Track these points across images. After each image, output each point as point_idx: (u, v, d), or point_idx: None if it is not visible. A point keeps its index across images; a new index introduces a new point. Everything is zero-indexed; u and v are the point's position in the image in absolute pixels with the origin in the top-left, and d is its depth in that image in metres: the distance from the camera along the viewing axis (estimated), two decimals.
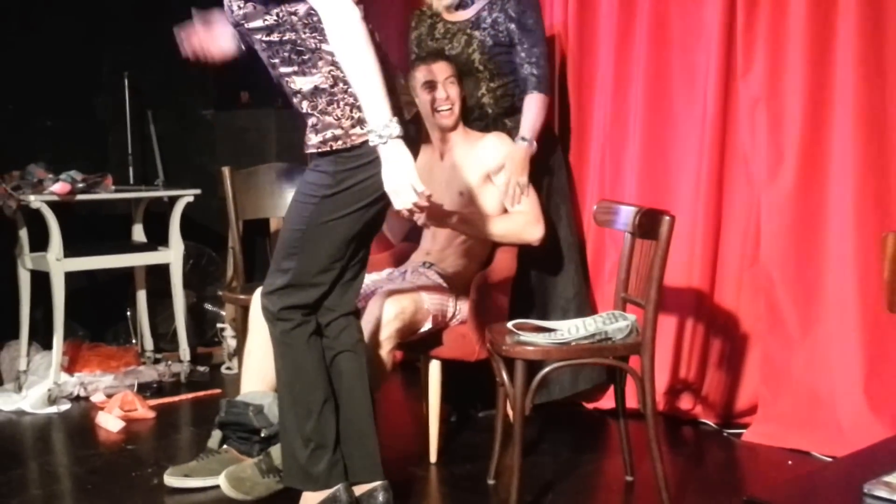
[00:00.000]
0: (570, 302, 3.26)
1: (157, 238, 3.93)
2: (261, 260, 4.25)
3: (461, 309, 2.93)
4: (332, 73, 2.19)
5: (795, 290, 2.92)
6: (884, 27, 2.72)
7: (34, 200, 3.54)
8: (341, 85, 2.18)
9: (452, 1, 3.17)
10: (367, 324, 2.66)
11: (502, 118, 3.17)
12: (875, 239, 2.65)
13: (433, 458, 2.89)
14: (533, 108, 3.06)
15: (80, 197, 3.66)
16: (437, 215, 2.86)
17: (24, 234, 3.70)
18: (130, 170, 4.26)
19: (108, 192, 3.77)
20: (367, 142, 2.17)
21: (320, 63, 2.19)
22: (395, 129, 2.12)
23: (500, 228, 2.96)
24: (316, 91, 2.21)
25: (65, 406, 3.55)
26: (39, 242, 3.64)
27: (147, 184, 4.24)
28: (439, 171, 3.07)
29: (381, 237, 3.42)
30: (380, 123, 2.12)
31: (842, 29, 2.77)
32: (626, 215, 2.59)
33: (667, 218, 2.44)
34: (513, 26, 3.08)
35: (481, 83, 3.14)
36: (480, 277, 2.93)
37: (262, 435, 2.66)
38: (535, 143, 3.02)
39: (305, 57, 2.19)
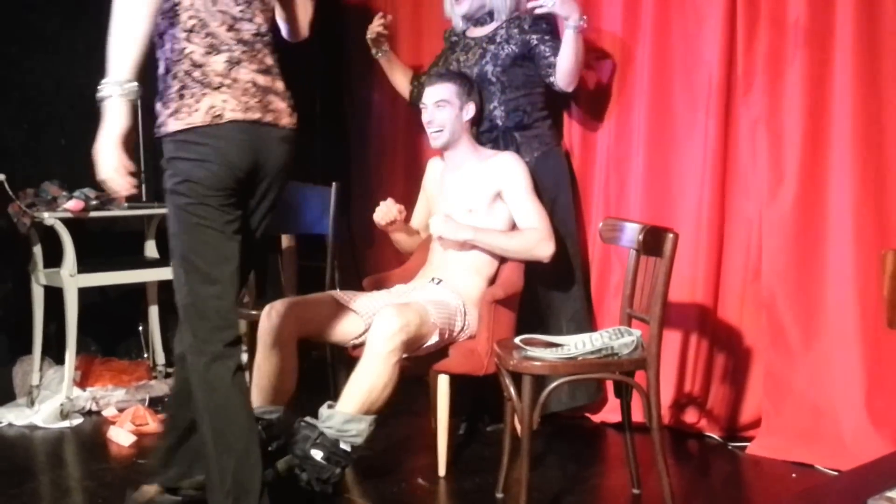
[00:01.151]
0: (575, 315, 3.30)
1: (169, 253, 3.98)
2: (271, 276, 4.30)
3: (469, 324, 2.97)
4: (166, 59, 2.19)
5: (797, 306, 2.96)
6: (880, 49, 2.77)
7: (48, 217, 3.59)
8: (171, 72, 2.16)
9: (467, 12, 3.27)
10: (373, 337, 2.71)
11: (512, 132, 3.21)
12: (874, 255, 2.70)
13: (442, 471, 2.93)
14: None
15: (93, 214, 3.71)
16: (453, 230, 2.93)
17: (38, 250, 3.75)
18: (143, 187, 4.31)
19: (121, 209, 3.81)
20: (185, 131, 2.14)
21: (161, 49, 2.19)
22: (116, 89, 2.03)
23: (513, 244, 3.01)
24: (160, 76, 2.21)
25: (77, 420, 3.59)
26: (53, 258, 3.69)
27: (160, 201, 4.26)
28: (450, 185, 3.12)
29: (393, 251, 3.48)
30: (108, 79, 2.04)
31: (839, 51, 2.82)
32: (631, 232, 2.63)
33: (671, 235, 2.49)
34: (529, 38, 3.17)
35: (493, 96, 3.21)
36: (488, 293, 2.97)
37: (270, 449, 2.69)
38: (584, 23, 3.04)
39: (158, 40, 2.19)
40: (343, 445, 2.60)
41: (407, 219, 3.27)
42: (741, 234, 3.12)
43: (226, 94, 2.17)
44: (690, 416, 3.26)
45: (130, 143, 2.12)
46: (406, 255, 3.36)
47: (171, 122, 2.17)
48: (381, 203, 3.13)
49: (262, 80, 2.25)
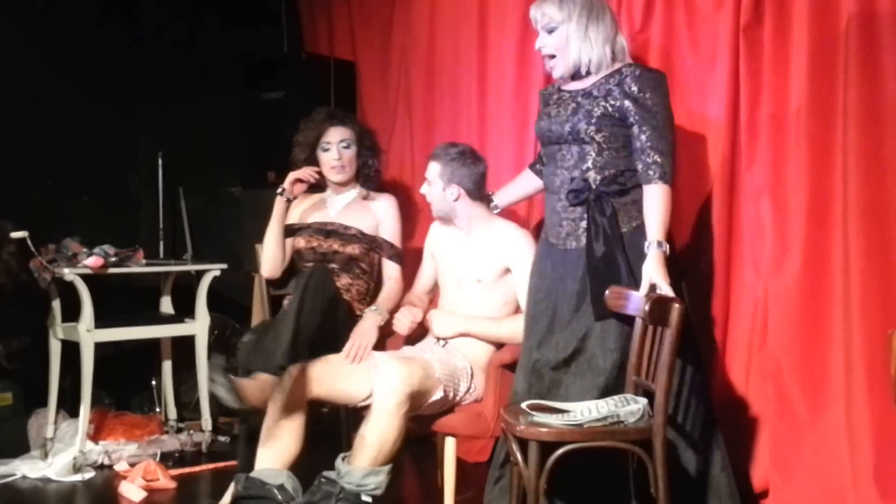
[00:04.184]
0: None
1: (184, 309, 4.05)
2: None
3: (476, 387, 3.01)
4: None
5: (803, 376, 2.98)
6: (883, 122, 2.82)
7: (68, 273, 3.67)
8: None
9: (562, 75, 2.86)
10: (378, 391, 2.77)
11: (608, 197, 2.77)
12: (879, 326, 2.72)
13: None
14: (658, 203, 2.70)
15: (111, 270, 3.78)
16: (447, 327, 2.99)
17: (56, 305, 3.82)
18: (161, 244, 4.41)
19: (139, 266, 3.88)
20: None
21: None
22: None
23: (504, 332, 3.01)
24: None
25: (89, 474, 3.63)
26: (71, 312, 3.76)
27: (176, 258, 4.37)
28: (462, 251, 3.16)
29: None
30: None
31: (841, 123, 2.87)
32: (638, 301, 2.67)
33: (677, 306, 2.52)
34: (628, 104, 2.74)
35: (587, 156, 2.79)
36: (495, 357, 3.01)
37: None
38: (667, 245, 2.68)
39: None
40: (364, 497, 2.74)
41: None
42: (747, 303, 3.15)
43: None
44: None
45: None
46: None
47: None
48: (399, 314, 3.17)
49: None
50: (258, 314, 4.02)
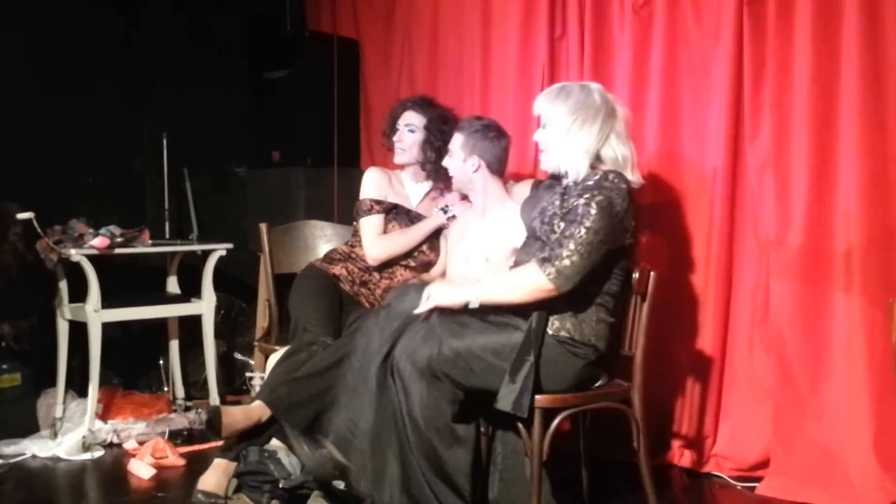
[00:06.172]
0: None
1: (191, 290, 4.07)
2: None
3: None
4: None
5: (804, 348, 2.99)
6: (885, 94, 2.83)
7: (74, 254, 3.69)
8: None
9: (545, 168, 2.77)
10: None
11: None
12: (880, 298, 2.74)
13: None
14: (513, 274, 2.66)
15: (117, 250, 3.81)
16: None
17: (63, 285, 3.84)
18: (166, 224, 4.42)
19: (144, 246, 3.89)
20: None
21: None
22: None
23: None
24: None
25: (98, 453, 3.65)
26: (78, 293, 3.79)
27: (182, 238, 4.38)
28: (476, 229, 3.15)
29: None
30: None
31: (844, 96, 2.88)
32: None
33: (652, 273, 2.65)
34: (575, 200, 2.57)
35: (538, 252, 2.67)
36: None
37: (282, 486, 2.80)
38: (476, 301, 2.64)
39: None
40: None
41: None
42: (749, 275, 3.17)
43: None
44: (700, 455, 3.29)
45: None
46: None
47: None
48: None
49: None
50: (263, 293, 4.06)
